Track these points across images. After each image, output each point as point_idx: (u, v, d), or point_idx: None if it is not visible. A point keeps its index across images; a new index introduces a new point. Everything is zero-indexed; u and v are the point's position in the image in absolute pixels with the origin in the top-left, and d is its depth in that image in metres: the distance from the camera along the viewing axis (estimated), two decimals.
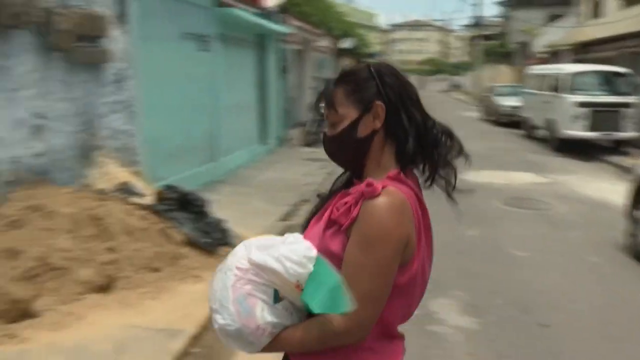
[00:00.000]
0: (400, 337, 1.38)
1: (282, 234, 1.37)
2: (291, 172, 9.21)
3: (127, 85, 5.45)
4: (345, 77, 1.36)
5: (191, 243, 4.70)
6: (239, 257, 1.26)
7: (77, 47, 4.63)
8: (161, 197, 4.93)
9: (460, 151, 1.38)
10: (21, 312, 3.59)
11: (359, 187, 1.25)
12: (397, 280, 1.25)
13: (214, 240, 4.78)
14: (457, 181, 1.39)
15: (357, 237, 1.22)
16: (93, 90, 5.00)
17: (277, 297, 1.24)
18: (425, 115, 1.36)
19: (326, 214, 1.31)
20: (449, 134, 1.37)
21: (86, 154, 4.94)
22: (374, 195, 1.22)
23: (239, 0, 8.92)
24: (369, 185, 1.23)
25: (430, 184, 1.38)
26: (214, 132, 8.18)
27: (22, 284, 3.67)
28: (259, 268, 1.23)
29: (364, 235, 1.22)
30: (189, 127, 7.27)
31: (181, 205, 4.90)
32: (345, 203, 1.26)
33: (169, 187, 5.02)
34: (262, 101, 11.04)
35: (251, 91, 10.46)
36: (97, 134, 5.08)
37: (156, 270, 4.51)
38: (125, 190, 4.89)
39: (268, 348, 1.27)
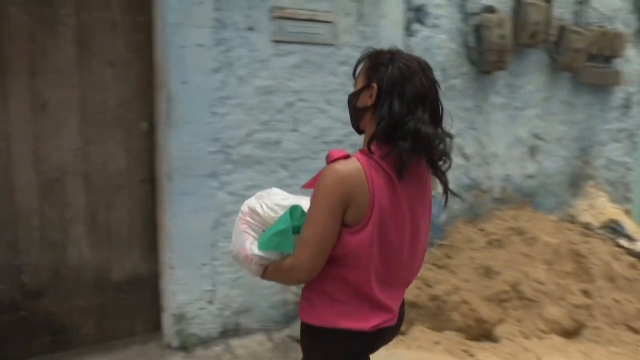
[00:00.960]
0: (383, 307, 1.58)
1: None
2: None
3: (634, 112, 4.75)
4: (371, 55, 1.61)
5: None
6: (244, 203, 1.66)
7: (587, 67, 4.29)
8: None
9: (430, 150, 1.51)
10: (483, 332, 3.54)
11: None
12: (347, 243, 1.49)
13: None
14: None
15: (312, 194, 1.50)
16: (596, 114, 4.57)
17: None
18: (410, 111, 1.48)
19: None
20: (418, 135, 1.46)
21: (576, 182, 4.57)
22: (327, 162, 1.50)
23: None
24: (329, 153, 1.51)
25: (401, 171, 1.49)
26: None
27: (491, 305, 3.62)
28: (252, 212, 1.63)
29: (314, 192, 1.49)
30: None
31: None
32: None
33: None
34: None
35: None
36: (591, 163, 4.62)
37: (636, 331, 3.74)
38: (613, 229, 4.26)
39: (263, 276, 1.63)
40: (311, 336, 1.63)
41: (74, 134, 3.01)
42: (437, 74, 4.20)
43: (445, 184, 1.62)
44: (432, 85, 1.53)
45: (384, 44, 3.47)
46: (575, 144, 4.51)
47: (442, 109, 1.57)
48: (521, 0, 3.97)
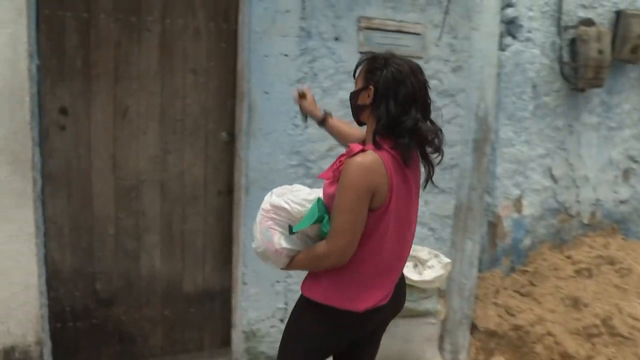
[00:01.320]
0: (382, 288, 1.81)
1: None
2: None
3: None
4: (370, 59, 1.80)
5: None
6: (264, 201, 1.84)
7: None
8: None
9: (427, 144, 1.75)
10: None
11: (350, 148, 1.70)
12: (371, 225, 1.70)
13: None
14: None
15: (338, 186, 1.68)
16: None
17: (291, 229, 1.77)
18: (404, 111, 1.70)
19: (329, 168, 1.81)
20: (415, 131, 1.70)
21: None
22: (350, 155, 1.67)
23: None
24: (350, 148, 1.69)
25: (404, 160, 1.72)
26: None
27: (578, 339, 3.34)
28: (276, 208, 1.79)
29: (340, 184, 1.67)
30: None
31: None
32: (340, 161, 1.74)
33: None
34: None
35: None
36: None
37: None
38: None
39: (289, 267, 1.84)
40: (314, 311, 1.81)
41: (152, 142, 2.96)
42: (528, 91, 4.01)
43: (430, 175, 1.85)
44: (422, 86, 1.76)
45: (477, 57, 3.29)
46: None
47: (431, 104, 1.81)
48: (622, 12, 3.67)
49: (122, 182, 2.93)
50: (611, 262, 3.63)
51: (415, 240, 1.92)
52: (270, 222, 1.80)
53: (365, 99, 1.78)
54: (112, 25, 2.78)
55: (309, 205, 1.78)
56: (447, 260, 3.05)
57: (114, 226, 2.95)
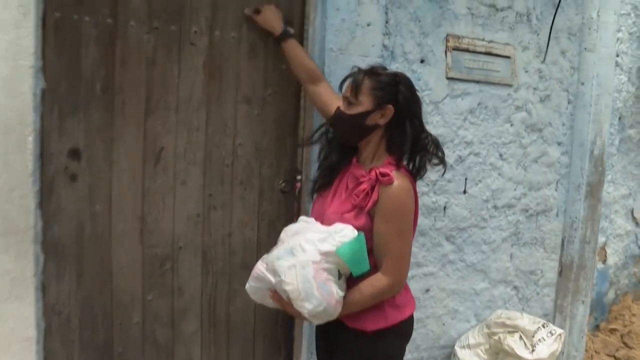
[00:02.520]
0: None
1: None
2: None
3: None
4: (375, 74, 1.68)
5: None
6: (309, 253, 1.58)
7: None
8: None
9: (442, 160, 1.76)
10: None
11: (371, 176, 1.64)
12: None
13: None
14: None
15: (384, 215, 1.62)
16: None
17: (340, 275, 1.62)
18: (422, 127, 1.72)
19: (344, 199, 1.72)
20: (437, 145, 1.74)
21: None
22: (390, 183, 1.61)
23: None
24: (384, 175, 1.61)
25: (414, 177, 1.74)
26: None
27: None
28: (327, 255, 1.58)
29: (389, 212, 1.62)
30: None
31: None
32: (363, 190, 1.64)
33: None
34: None
35: None
36: None
37: None
38: None
39: (341, 313, 1.64)
40: (384, 340, 1.70)
41: (193, 195, 2.18)
42: (615, 123, 3.44)
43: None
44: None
45: (590, 84, 2.66)
46: None
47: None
48: None
49: (153, 250, 2.13)
50: None
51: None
52: (325, 274, 1.58)
53: (378, 119, 1.67)
54: (145, 36, 2.03)
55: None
56: (560, 330, 2.39)
57: (140, 312, 2.13)
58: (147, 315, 2.15)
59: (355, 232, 1.63)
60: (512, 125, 2.74)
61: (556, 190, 2.83)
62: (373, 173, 1.65)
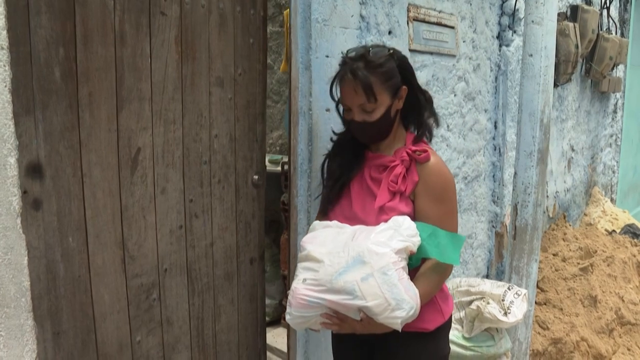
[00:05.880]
0: None
1: None
2: None
3: (618, 117, 4.96)
4: (376, 67, 1.49)
5: None
6: (386, 255, 1.37)
7: (605, 76, 4.28)
8: None
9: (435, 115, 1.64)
10: None
11: (402, 157, 1.53)
12: None
13: None
14: None
15: (432, 195, 1.50)
16: (600, 121, 4.62)
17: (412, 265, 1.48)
18: (420, 88, 1.60)
19: (379, 191, 1.54)
20: (431, 101, 1.62)
21: (587, 190, 4.56)
22: (428, 159, 1.51)
23: None
24: (419, 152, 1.51)
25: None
26: None
27: (603, 337, 3.32)
28: (400, 252, 1.40)
29: (437, 191, 1.50)
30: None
31: None
32: (399, 174, 1.51)
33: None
34: None
35: None
36: (596, 169, 4.67)
37: None
38: (634, 234, 4.34)
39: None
40: (437, 337, 1.60)
41: (174, 204, 1.77)
42: None
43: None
44: None
45: (539, 56, 2.79)
46: (589, 152, 4.50)
47: None
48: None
49: (138, 281, 1.68)
50: (592, 253, 3.71)
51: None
52: (405, 274, 1.41)
53: (397, 104, 1.56)
54: (109, 3, 1.51)
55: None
56: (524, 290, 2.61)
57: (130, 358, 1.68)
58: (137, 358, 1.70)
59: (405, 220, 1.47)
60: (455, 95, 2.80)
61: (484, 155, 3.05)
62: (404, 153, 1.53)
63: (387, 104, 1.52)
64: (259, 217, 2.13)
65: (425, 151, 1.52)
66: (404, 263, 1.42)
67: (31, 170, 1.37)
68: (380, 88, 1.50)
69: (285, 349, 2.37)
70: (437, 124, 1.66)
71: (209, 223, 1.90)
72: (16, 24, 1.30)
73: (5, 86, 1.09)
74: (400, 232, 1.43)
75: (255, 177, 2.07)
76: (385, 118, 1.54)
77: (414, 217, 1.51)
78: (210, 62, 1.83)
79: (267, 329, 2.43)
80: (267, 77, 2.11)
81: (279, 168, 2.70)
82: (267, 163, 2.21)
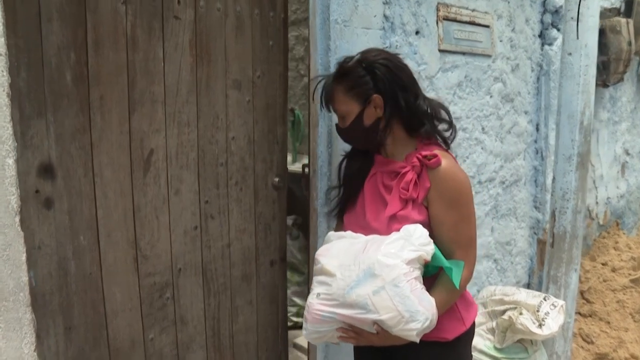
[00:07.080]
0: None
1: None
2: None
3: None
4: (342, 76, 1.50)
5: None
6: (397, 267, 1.33)
7: None
8: None
9: (450, 122, 1.55)
10: None
11: (413, 162, 1.47)
12: None
13: None
14: None
15: (444, 201, 1.43)
16: None
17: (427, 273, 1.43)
18: (417, 93, 1.51)
19: (389, 199, 1.50)
20: (441, 107, 1.54)
21: None
22: (439, 164, 1.43)
23: None
24: (429, 157, 1.44)
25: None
26: None
27: None
28: (412, 262, 1.35)
29: (449, 196, 1.43)
30: None
31: None
32: (410, 180, 1.45)
33: None
34: None
35: None
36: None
37: None
38: None
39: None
40: (457, 345, 1.54)
41: (188, 205, 1.79)
42: None
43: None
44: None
45: (579, 55, 2.64)
46: None
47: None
48: None
49: (151, 280, 1.71)
50: None
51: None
52: (418, 284, 1.36)
53: (373, 114, 1.50)
54: (120, 7, 1.55)
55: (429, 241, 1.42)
56: (561, 302, 2.47)
57: (143, 355, 1.72)
58: (150, 357, 1.74)
59: (417, 230, 1.41)
60: (491, 97, 2.70)
61: (524, 159, 2.91)
62: (414, 159, 1.47)
63: (356, 112, 1.50)
64: (280, 219, 2.12)
65: (436, 155, 1.45)
66: (417, 273, 1.37)
67: (43, 171, 1.43)
68: (343, 97, 1.51)
69: None
70: (453, 130, 1.58)
71: (226, 224, 1.92)
72: (27, 30, 1.36)
73: (4, 90, 1.13)
74: (412, 242, 1.38)
75: (276, 179, 2.07)
76: (357, 126, 1.52)
77: (429, 224, 1.46)
78: (227, 64, 1.85)
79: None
80: (288, 79, 2.10)
81: None
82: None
